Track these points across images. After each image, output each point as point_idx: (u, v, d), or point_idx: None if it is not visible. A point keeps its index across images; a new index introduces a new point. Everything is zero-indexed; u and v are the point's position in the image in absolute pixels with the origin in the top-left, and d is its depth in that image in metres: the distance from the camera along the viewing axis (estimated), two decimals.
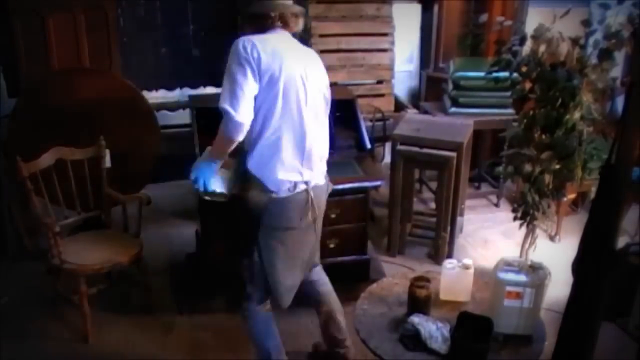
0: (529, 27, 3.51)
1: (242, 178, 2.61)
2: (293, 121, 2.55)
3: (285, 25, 2.65)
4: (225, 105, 2.43)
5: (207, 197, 2.66)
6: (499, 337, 2.38)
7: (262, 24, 2.64)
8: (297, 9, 2.69)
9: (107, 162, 3.66)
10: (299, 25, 2.71)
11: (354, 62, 4.99)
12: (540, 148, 3.48)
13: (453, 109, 4.66)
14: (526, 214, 3.68)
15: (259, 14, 2.64)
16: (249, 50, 2.51)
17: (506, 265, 2.45)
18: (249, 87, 2.46)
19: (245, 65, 2.49)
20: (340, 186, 3.37)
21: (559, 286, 2.28)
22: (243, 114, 2.44)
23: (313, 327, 3.45)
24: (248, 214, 2.60)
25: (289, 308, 3.61)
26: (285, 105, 2.52)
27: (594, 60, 3.39)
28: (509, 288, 2.38)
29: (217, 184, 2.62)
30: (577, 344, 1.89)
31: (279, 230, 2.62)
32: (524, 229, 3.74)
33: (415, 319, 2.43)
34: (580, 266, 1.85)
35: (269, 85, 2.50)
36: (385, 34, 5.06)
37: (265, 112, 2.51)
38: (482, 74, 4.02)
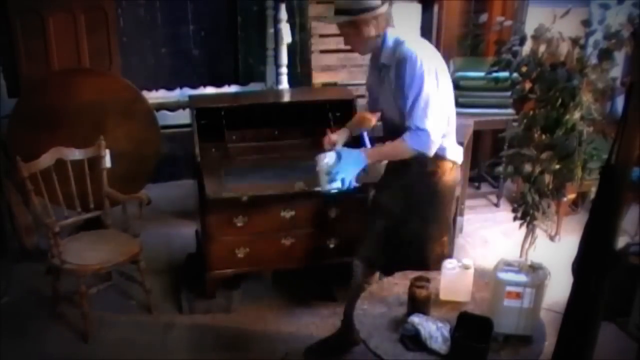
0: (529, 27, 3.51)
1: (428, 164, 2.75)
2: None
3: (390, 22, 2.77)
4: (425, 125, 2.59)
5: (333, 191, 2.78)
6: (499, 337, 2.37)
7: (386, 24, 2.73)
8: None
9: (107, 162, 3.66)
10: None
11: (354, 62, 4.98)
12: (540, 148, 3.48)
13: None
14: (526, 214, 3.69)
15: (384, 14, 2.71)
16: (425, 62, 2.62)
17: (506, 265, 2.44)
18: (437, 99, 2.62)
19: (435, 78, 2.63)
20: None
21: (559, 286, 2.28)
22: (439, 130, 2.64)
23: (313, 327, 3.45)
24: (442, 197, 2.83)
25: (289, 308, 3.62)
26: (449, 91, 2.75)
27: (594, 60, 3.39)
28: (509, 288, 2.38)
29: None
30: (577, 344, 1.89)
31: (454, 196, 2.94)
32: (524, 229, 3.74)
33: (415, 319, 2.43)
34: (580, 266, 1.85)
35: (440, 84, 2.66)
36: None
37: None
38: (482, 74, 4.01)
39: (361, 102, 4.25)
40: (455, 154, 2.84)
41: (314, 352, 3.22)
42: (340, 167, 2.69)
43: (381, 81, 2.82)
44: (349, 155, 2.72)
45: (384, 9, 2.70)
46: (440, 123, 2.65)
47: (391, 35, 2.73)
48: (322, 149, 2.85)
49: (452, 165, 2.84)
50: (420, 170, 2.76)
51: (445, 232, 2.95)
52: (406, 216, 2.87)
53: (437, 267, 2.77)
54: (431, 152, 2.67)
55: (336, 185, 2.71)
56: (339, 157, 2.72)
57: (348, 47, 4.55)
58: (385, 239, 2.96)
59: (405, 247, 2.90)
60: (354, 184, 2.74)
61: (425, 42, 2.82)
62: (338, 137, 2.97)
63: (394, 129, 2.82)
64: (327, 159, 2.72)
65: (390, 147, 2.73)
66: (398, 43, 2.70)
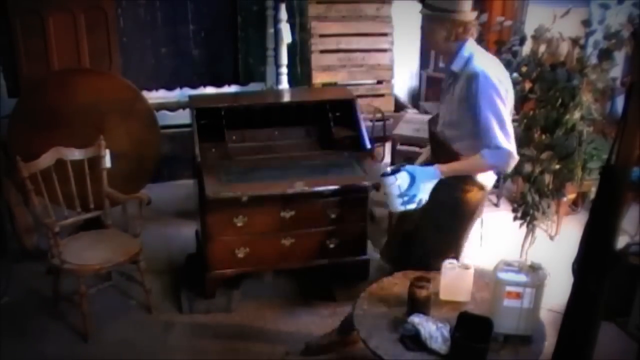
0: (529, 27, 3.51)
1: (458, 183, 2.76)
2: None
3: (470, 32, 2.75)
4: (505, 144, 2.60)
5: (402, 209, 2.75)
6: (499, 337, 2.38)
7: (464, 33, 2.71)
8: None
9: (107, 162, 3.66)
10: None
11: (354, 62, 5.00)
12: (540, 148, 3.48)
13: None
14: (526, 214, 3.69)
15: (463, 22, 2.68)
16: (496, 81, 2.62)
17: (506, 265, 2.45)
18: (508, 117, 2.64)
19: (502, 98, 2.62)
20: (337, 187, 3.38)
21: (559, 286, 2.28)
22: (515, 148, 2.64)
23: (313, 327, 3.45)
24: (462, 213, 2.83)
25: (289, 308, 3.62)
26: None
27: (594, 60, 3.39)
28: (508, 288, 2.38)
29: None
30: (577, 344, 1.89)
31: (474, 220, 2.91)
32: (524, 229, 3.75)
33: (415, 319, 2.43)
34: (580, 266, 1.85)
35: (507, 104, 2.67)
36: (385, 34, 5.06)
37: None
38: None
39: (361, 102, 4.25)
40: (486, 178, 2.82)
41: (314, 349, 3.23)
42: (418, 188, 2.67)
43: (447, 88, 2.81)
44: (423, 173, 2.70)
45: (463, 16, 2.67)
46: (513, 140, 2.66)
47: (469, 47, 2.71)
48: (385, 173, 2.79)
49: (479, 188, 2.81)
50: (447, 181, 2.73)
51: (453, 248, 2.90)
52: (424, 223, 2.87)
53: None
54: (509, 169, 2.71)
55: (411, 206, 2.70)
56: (412, 177, 2.68)
57: (348, 47, 4.55)
58: (407, 243, 2.97)
59: (415, 252, 2.90)
60: (426, 199, 2.72)
61: (495, 60, 2.80)
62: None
63: (440, 137, 2.83)
64: (399, 180, 2.67)
65: (466, 163, 2.71)
66: (471, 56, 2.68)
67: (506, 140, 2.61)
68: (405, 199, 2.68)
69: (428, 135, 3.03)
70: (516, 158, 2.65)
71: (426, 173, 2.70)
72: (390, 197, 2.72)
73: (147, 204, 3.54)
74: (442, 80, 2.90)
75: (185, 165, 4.81)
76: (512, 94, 2.75)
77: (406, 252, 2.98)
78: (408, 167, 2.73)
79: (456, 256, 2.86)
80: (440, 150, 2.84)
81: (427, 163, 2.86)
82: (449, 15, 2.66)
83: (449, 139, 2.78)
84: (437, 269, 2.75)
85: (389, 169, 2.79)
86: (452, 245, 2.89)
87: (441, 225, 2.84)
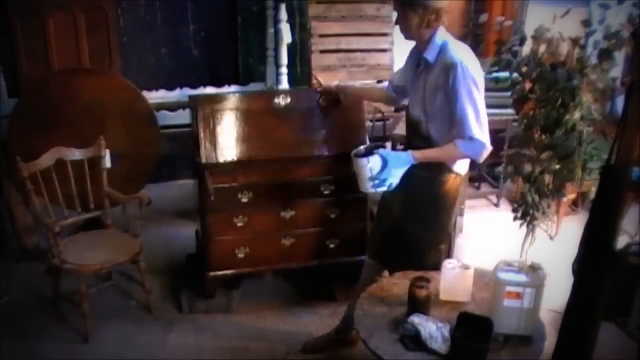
0: (529, 27, 3.51)
1: (435, 176, 2.78)
2: None
3: (442, 20, 2.74)
4: (478, 135, 2.61)
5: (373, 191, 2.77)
6: (499, 337, 2.37)
7: (436, 20, 2.70)
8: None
9: (107, 162, 3.66)
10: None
11: (354, 62, 5.00)
12: (540, 148, 3.48)
13: None
14: (526, 214, 3.69)
15: (436, 9, 2.67)
16: (473, 71, 2.63)
17: (506, 265, 2.45)
18: (483, 107, 2.65)
19: (478, 88, 2.63)
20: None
21: (559, 286, 2.28)
22: (488, 138, 2.65)
23: (313, 327, 3.45)
24: (443, 205, 2.85)
25: (289, 308, 3.62)
26: None
27: (594, 60, 3.39)
28: (508, 288, 2.38)
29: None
30: (577, 344, 1.89)
31: (455, 207, 2.94)
32: (524, 229, 3.75)
33: (415, 319, 2.43)
34: (580, 266, 1.85)
35: (481, 93, 2.68)
36: (385, 34, 5.06)
37: None
38: (482, 74, 4.01)
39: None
40: (460, 165, 2.84)
41: (312, 347, 3.24)
42: (389, 172, 2.68)
43: (417, 76, 2.81)
44: (396, 159, 2.70)
45: (436, 3, 2.66)
46: (487, 131, 2.67)
47: (441, 34, 2.72)
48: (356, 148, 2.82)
49: (456, 176, 2.83)
50: (424, 175, 2.76)
51: (442, 239, 2.94)
52: (407, 218, 2.88)
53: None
54: (482, 159, 2.71)
55: (381, 189, 2.71)
56: (384, 161, 2.69)
57: (348, 47, 4.55)
58: (389, 238, 2.98)
59: (404, 249, 2.91)
60: (395, 183, 2.73)
61: (467, 47, 2.80)
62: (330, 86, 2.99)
63: (415, 125, 2.84)
64: (371, 163, 2.68)
65: (440, 151, 2.72)
66: (445, 45, 2.69)
67: (480, 131, 2.62)
68: (376, 182, 2.69)
69: (406, 122, 3.04)
70: (489, 149, 2.66)
71: (399, 159, 2.70)
72: (361, 178, 2.73)
73: (147, 204, 3.54)
74: (415, 65, 2.87)
75: (185, 165, 4.82)
76: (483, 80, 2.75)
77: (390, 248, 2.98)
78: (382, 151, 2.73)
79: (448, 244, 2.92)
80: (415, 136, 2.85)
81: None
82: (422, 2, 2.66)
83: (424, 125, 2.79)
84: (433, 262, 2.79)
85: (362, 148, 2.82)
86: (441, 237, 2.92)
87: (426, 220, 2.86)
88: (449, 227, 2.97)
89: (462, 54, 2.66)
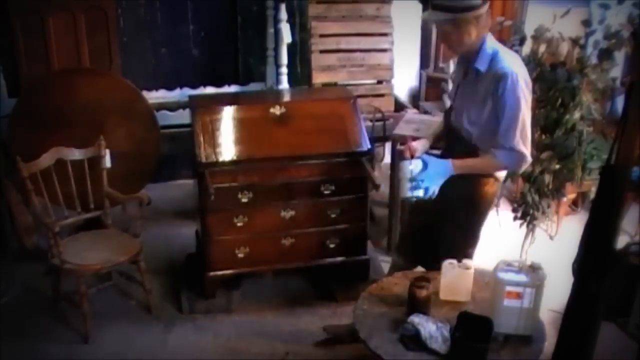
0: (529, 27, 3.52)
1: (473, 177, 2.78)
2: None
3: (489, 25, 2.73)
4: (521, 147, 2.63)
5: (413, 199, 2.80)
6: (499, 337, 2.38)
7: (485, 27, 2.67)
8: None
9: (107, 162, 3.66)
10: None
11: (354, 62, 4.98)
12: (540, 148, 3.48)
13: None
14: (526, 214, 3.69)
15: (485, 14, 2.65)
16: (523, 83, 2.63)
17: (506, 265, 2.45)
18: (529, 120, 2.67)
19: (527, 100, 2.64)
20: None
21: (559, 286, 2.28)
22: (529, 151, 2.68)
23: (313, 327, 3.45)
24: (479, 208, 2.85)
25: (289, 308, 3.62)
26: None
27: (594, 60, 3.39)
28: (508, 288, 2.38)
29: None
30: (577, 344, 1.89)
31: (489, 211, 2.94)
32: (524, 229, 3.75)
33: (415, 319, 2.43)
34: (580, 266, 1.85)
35: (529, 104, 2.71)
36: (385, 34, 5.05)
37: None
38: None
39: (361, 102, 4.25)
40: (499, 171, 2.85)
41: (333, 333, 3.27)
42: (427, 175, 2.67)
43: (468, 85, 2.79)
44: (436, 164, 2.70)
45: (484, 9, 2.64)
46: (529, 143, 2.68)
47: (490, 42, 2.69)
48: (403, 157, 2.82)
49: (494, 180, 2.83)
50: (463, 176, 2.74)
51: (471, 243, 2.92)
52: (440, 218, 2.88)
53: None
54: (521, 171, 2.77)
55: (418, 193, 2.70)
56: (425, 165, 2.69)
57: (348, 47, 4.54)
58: (421, 239, 3.00)
59: (434, 248, 2.91)
60: (436, 192, 2.72)
61: (516, 56, 2.79)
62: (420, 145, 2.92)
63: (458, 132, 2.83)
64: (412, 165, 2.70)
65: (479, 162, 2.72)
66: (496, 53, 2.66)
67: (522, 143, 2.62)
68: (414, 184, 2.68)
69: (444, 129, 3.01)
70: (529, 161, 2.69)
71: (439, 164, 2.70)
72: (401, 182, 2.75)
73: (147, 204, 3.54)
74: (452, 74, 2.89)
75: (185, 165, 4.81)
76: (531, 89, 2.74)
77: (423, 248, 2.98)
78: (424, 155, 2.76)
79: (474, 249, 2.91)
80: (457, 143, 2.84)
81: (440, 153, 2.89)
82: (475, 13, 2.60)
83: (468, 133, 2.77)
84: None
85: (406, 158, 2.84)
86: (472, 241, 2.92)
87: (461, 223, 2.85)
88: (480, 231, 2.94)
89: (513, 64, 2.65)
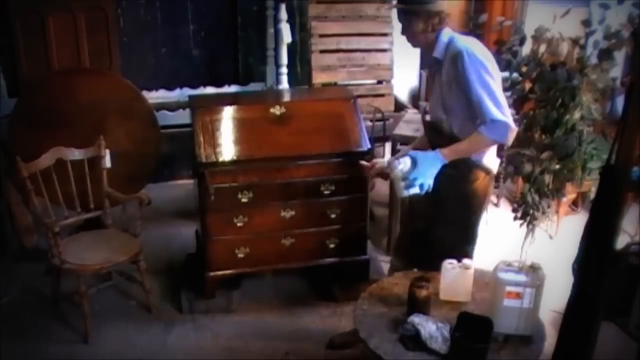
0: (529, 27, 3.51)
1: (465, 174, 2.78)
2: None
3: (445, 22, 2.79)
4: (500, 116, 2.60)
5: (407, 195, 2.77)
6: (499, 337, 2.38)
7: (440, 23, 2.74)
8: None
9: (107, 162, 3.66)
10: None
11: (354, 62, 4.99)
12: (540, 148, 3.48)
13: None
14: (526, 214, 3.69)
15: (438, 12, 2.72)
16: (480, 56, 2.65)
17: (506, 265, 2.45)
18: (498, 89, 2.66)
19: (488, 72, 2.64)
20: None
21: (559, 286, 2.28)
22: (511, 118, 2.64)
23: (313, 327, 3.45)
24: (473, 205, 2.85)
25: (289, 308, 3.62)
26: None
27: (594, 60, 3.39)
28: (508, 288, 2.38)
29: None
30: (577, 344, 1.89)
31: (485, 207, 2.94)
32: (524, 229, 3.75)
33: (415, 319, 2.43)
34: (580, 266, 1.85)
35: (495, 78, 2.70)
36: (385, 34, 5.06)
37: None
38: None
39: (361, 102, 4.25)
40: (491, 162, 2.84)
41: (339, 343, 3.26)
42: (418, 172, 2.67)
43: (433, 77, 2.85)
44: (425, 158, 2.70)
45: (438, 6, 2.71)
46: (507, 111, 2.66)
47: (446, 32, 2.75)
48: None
49: (486, 174, 2.83)
50: (453, 174, 2.74)
51: (471, 240, 2.93)
52: (436, 218, 2.88)
53: None
54: (509, 142, 2.70)
55: (414, 190, 2.70)
56: (414, 161, 2.69)
57: (348, 47, 4.55)
58: (418, 239, 2.99)
59: (432, 249, 2.90)
60: (431, 186, 2.71)
61: (474, 39, 2.81)
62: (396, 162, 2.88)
63: (437, 126, 2.85)
64: (401, 165, 2.69)
65: (466, 143, 2.70)
66: (451, 39, 2.72)
67: (500, 112, 2.61)
68: (407, 182, 2.68)
69: (424, 128, 3.04)
70: (514, 129, 2.65)
71: (428, 157, 2.70)
72: (394, 182, 2.76)
73: (147, 204, 3.54)
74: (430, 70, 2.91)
75: (185, 165, 4.81)
76: (498, 71, 2.76)
77: (419, 249, 2.98)
78: (411, 152, 2.75)
79: (473, 246, 2.92)
80: (438, 138, 2.84)
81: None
82: (424, 8, 2.69)
83: (446, 124, 2.79)
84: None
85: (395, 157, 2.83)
86: (468, 238, 2.92)
87: (455, 221, 2.85)
88: (477, 227, 2.95)
89: (467, 43, 2.69)
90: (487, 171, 2.83)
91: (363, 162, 3.22)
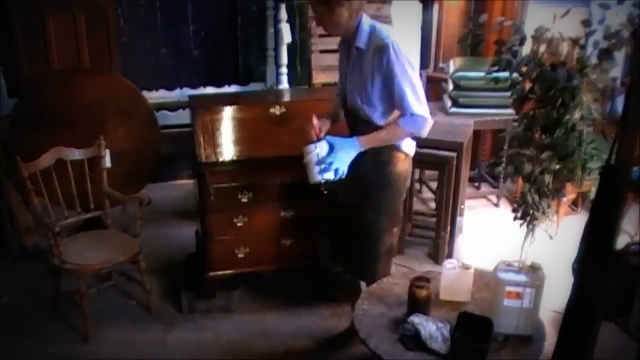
0: (529, 27, 3.50)
1: (384, 159, 2.83)
2: None
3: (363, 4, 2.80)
4: (420, 111, 2.69)
5: (323, 184, 2.78)
6: (499, 337, 2.38)
7: (360, 7, 2.75)
8: None
9: (107, 162, 3.66)
10: None
11: None
12: (540, 148, 3.48)
13: (453, 109, 4.65)
14: (526, 214, 3.68)
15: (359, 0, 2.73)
16: (402, 50, 2.70)
17: (506, 265, 2.45)
18: (419, 83, 2.73)
19: (411, 65, 2.70)
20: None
21: (559, 286, 2.28)
22: (428, 112, 2.73)
23: (313, 327, 3.45)
24: (396, 188, 2.91)
25: (289, 308, 3.62)
26: None
27: (594, 60, 3.39)
28: (508, 288, 2.38)
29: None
30: (577, 344, 1.89)
31: (406, 188, 3.02)
32: (524, 229, 3.74)
33: (415, 319, 2.43)
34: (580, 266, 1.85)
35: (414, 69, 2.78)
36: None
37: None
38: (482, 74, 4.02)
39: None
40: (409, 145, 2.91)
41: (336, 344, 3.29)
42: (335, 156, 2.70)
43: (353, 67, 2.83)
44: (342, 143, 2.73)
45: None
46: (425, 104, 2.73)
47: (366, 20, 2.77)
48: (309, 140, 2.80)
49: (405, 156, 2.90)
50: (373, 159, 2.79)
51: (396, 223, 3.00)
52: (359, 207, 2.91)
53: (387, 259, 2.97)
54: (425, 134, 2.75)
55: (328, 176, 2.71)
56: (331, 146, 2.71)
57: None
58: (341, 229, 3.02)
59: (359, 238, 2.94)
60: (345, 172, 2.73)
61: (390, 28, 2.86)
62: (322, 124, 2.93)
63: (355, 112, 2.86)
64: (318, 149, 2.70)
65: (384, 133, 2.76)
66: (373, 28, 2.74)
67: (419, 106, 2.68)
68: (323, 166, 2.70)
69: (343, 111, 3.03)
70: (430, 122, 2.73)
71: (345, 143, 2.73)
72: (309, 167, 2.73)
73: (147, 204, 3.54)
74: (347, 56, 2.88)
75: (185, 165, 4.81)
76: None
77: (351, 244, 3.00)
78: (328, 137, 2.76)
79: (399, 228, 3.01)
80: (356, 123, 2.87)
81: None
82: None
83: (363, 112, 2.81)
84: (387, 247, 2.92)
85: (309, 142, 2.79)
86: (395, 220, 2.98)
87: (383, 205, 2.90)
88: (401, 210, 3.05)
89: (389, 33, 2.73)
90: (406, 154, 2.90)
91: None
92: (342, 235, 3.04)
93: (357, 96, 2.83)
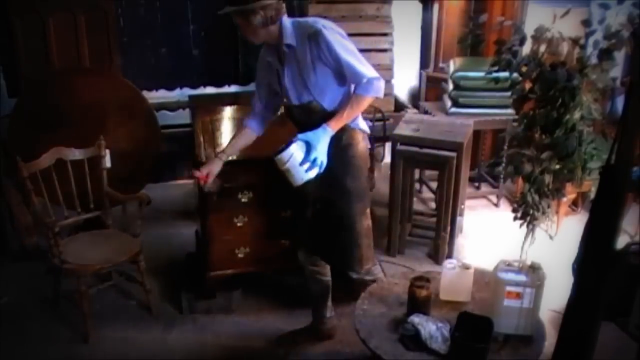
0: (529, 27, 3.50)
1: (343, 138, 2.83)
2: None
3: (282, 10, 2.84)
4: (371, 74, 2.69)
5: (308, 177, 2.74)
6: (499, 337, 2.38)
7: (277, 15, 2.78)
8: None
9: (107, 162, 3.66)
10: None
11: None
12: (540, 148, 3.48)
13: (453, 109, 4.66)
14: (526, 214, 3.68)
15: (272, 3, 2.76)
16: (332, 26, 2.76)
17: (506, 265, 2.45)
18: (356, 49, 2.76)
19: (344, 36, 2.74)
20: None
21: (559, 286, 2.28)
22: (374, 70, 2.74)
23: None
24: (360, 168, 2.93)
25: (289, 308, 3.62)
26: None
27: (594, 60, 3.39)
28: (508, 288, 2.38)
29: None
30: (577, 344, 1.89)
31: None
32: (524, 229, 3.75)
33: (415, 319, 2.43)
34: (580, 266, 1.85)
35: None
36: (385, 34, 5.06)
37: None
38: (482, 74, 4.02)
39: None
40: (364, 124, 2.96)
41: (286, 340, 3.31)
42: (317, 151, 2.68)
43: (290, 65, 2.82)
44: (316, 136, 2.70)
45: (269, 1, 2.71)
46: (369, 64, 2.76)
47: (287, 20, 2.80)
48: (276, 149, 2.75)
49: (363, 134, 2.93)
50: (335, 149, 2.77)
51: (366, 203, 3.01)
52: (328, 198, 2.90)
53: (368, 241, 2.97)
54: (382, 93, 2.77)
55: (314, 172, 2.70)
56: (306, 144, 2.69)
57: None
58: (316, 223, 3.00)
59: (335, 229, 2.94)
60: (325, 163, 2.73)
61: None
62: (212, 167, 2.96)
63: (306, 110, 2.83)
64: (294, 152, 2.67)
65: (348, 109, 2.74)
66: (295, 23, 2.78)
67: (369, 70, 2.71)
68: (308, 165, 2.69)
69: (288, 115, 3.02)
70: (383, 80, 2.75)
71: (318, 134, 2.71)
72: (291, 171, 2.69)
73: (147, 204, 3.54)
74: (278, 60, 2.90)
75: (185, 165, 4.81)
76: None
77: (324, 234, 2.99)
78: (299, 135, 2.74)
79: (368, 206, 3.01)
80: (311, 119, 2.82)
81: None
82: (258, 3, 2.70)
83: (316, 104, 2.80)
84: (365, 229, 2.92)
85: (280, 150, 2.74)
86: (366, 201, 3.00)
87: (350, 192, 2.90)
88: (367, 188, 3.08)
89: (315, 19, 2.78)
90: (363, 131, 2.94)
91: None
92: (317, 230, 3.02)
93: (303, 92, 2.81)
